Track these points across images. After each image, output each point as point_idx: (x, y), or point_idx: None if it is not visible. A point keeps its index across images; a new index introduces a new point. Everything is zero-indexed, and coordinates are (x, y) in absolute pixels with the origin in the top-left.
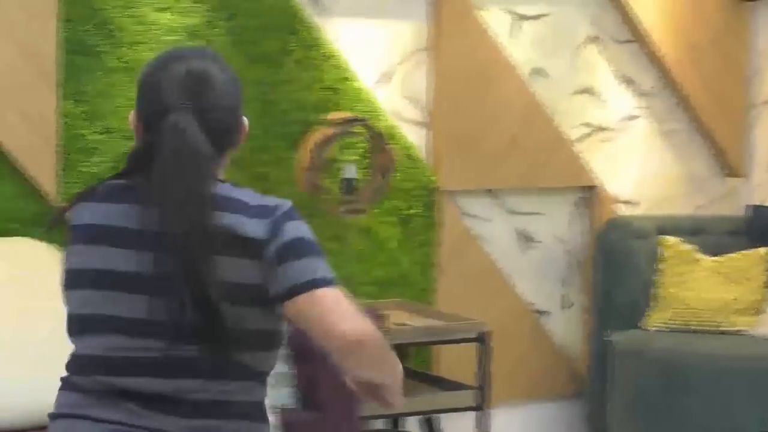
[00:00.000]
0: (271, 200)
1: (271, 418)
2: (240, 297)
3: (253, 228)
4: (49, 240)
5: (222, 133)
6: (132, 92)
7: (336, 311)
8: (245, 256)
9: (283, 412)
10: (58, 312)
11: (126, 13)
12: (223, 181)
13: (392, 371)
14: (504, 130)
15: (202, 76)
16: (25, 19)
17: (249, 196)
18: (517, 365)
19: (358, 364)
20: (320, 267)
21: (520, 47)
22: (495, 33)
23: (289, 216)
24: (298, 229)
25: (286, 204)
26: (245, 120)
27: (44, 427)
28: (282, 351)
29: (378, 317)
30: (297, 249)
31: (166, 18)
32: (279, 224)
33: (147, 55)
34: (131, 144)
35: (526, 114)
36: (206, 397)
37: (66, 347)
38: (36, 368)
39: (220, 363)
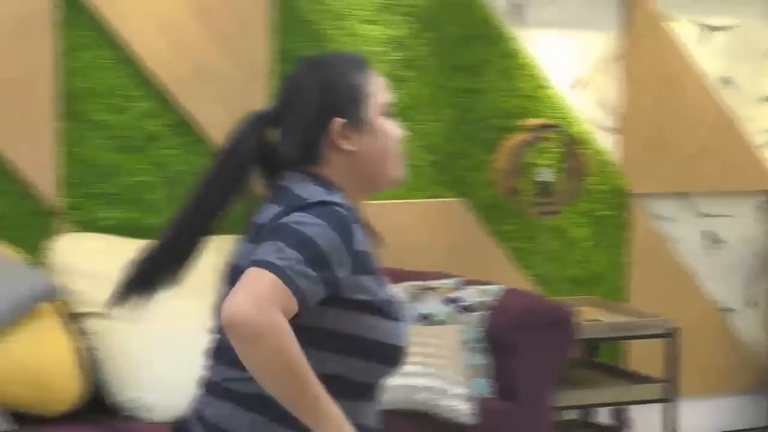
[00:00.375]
0: (313, 194)
1: (468, 406)
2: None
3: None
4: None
5: (283, 134)
6: None
7: (236, 288)
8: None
9: (480, 401)
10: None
11: (336, 26)
12: (310, 177)
13: (293, 390)
14: (693, 136)
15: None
16: (240, 32)
17: (308, 191)
18: (703, 360)
19: (242, 358)
20: (270, 250)
21: (707, 56)
22: (684, 43)
23: (303, 207)
24: (294, 218)
25: (318, 198)
26: (332, 123)
27: None
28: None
29: (571, 313)
30: (271, 232)
31: (373, 30)
32: (287, 212)
33: None
34: None
35: (714, 120)
36: None
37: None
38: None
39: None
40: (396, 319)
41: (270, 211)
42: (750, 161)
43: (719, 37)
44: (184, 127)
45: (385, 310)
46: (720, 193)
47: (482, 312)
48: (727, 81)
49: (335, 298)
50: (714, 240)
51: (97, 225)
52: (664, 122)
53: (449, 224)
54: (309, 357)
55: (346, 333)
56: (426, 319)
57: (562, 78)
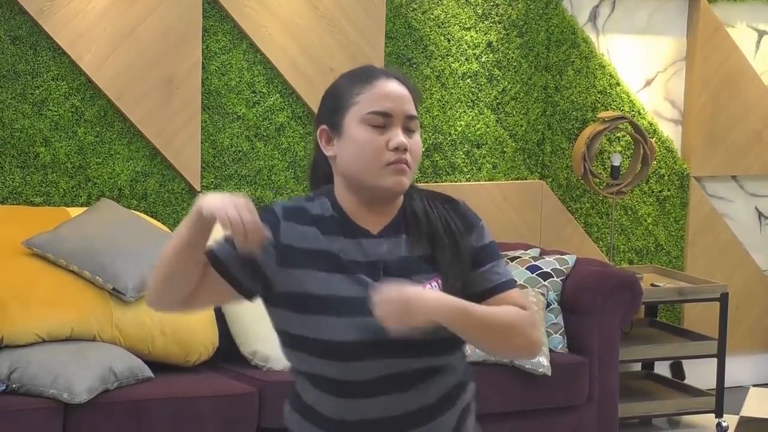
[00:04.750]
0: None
1: (546, 359)
2: None
3: None
4: None
5: None
6: (441, 95)
7: None
8: None
9: (556, 355)
10: None
11: (438, 31)
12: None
13: None
14: (747, 127)
15: None
16: (358, 38)
17: None
18: (752, 321)
19: None
20: None
21: (762, 58)
22: (741, 46)
23: None
24: None
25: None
26: (318, 130)
27: None
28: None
29: (635, 280)
30: None
31: (470, 35)
32: None
33: (454, 66)
34: (438, 137)
35: (765, 113)
36: None
37: None
38: None
39: None
40: (325, 314)
41: None
42: None
43: None
44: (306, 119)
45: (313, 306)
46: (767, 176)
47: (559, 278)
48: None
49: (271, 295)
50: (764, 217)
51: None
52: (722, 115)
53: (533, 202)
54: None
55: (280, 329)
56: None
57: (634, 76)
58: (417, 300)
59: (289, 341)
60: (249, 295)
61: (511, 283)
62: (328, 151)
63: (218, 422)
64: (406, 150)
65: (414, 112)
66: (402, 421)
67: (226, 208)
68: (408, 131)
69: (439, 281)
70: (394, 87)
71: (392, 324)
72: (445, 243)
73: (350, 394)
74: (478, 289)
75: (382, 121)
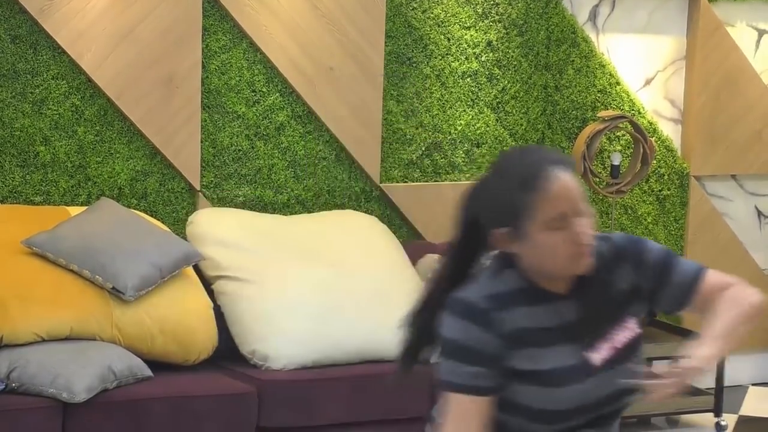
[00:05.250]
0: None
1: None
2: None
3: None
4: (370, 212)
5: None
6: (441, 95)
7: (445, 421)
8: None
9: None
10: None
11: (438, 30)
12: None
13: None
14: (747, 126)
15: None
16: (358, 37)
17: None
18: None
19: None
20: (441, 368)
21: (762, 57)
22: (741, 45)
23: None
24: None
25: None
26: (493, 233)
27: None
28: None
29: None
30: None
31: (469, 34)
32: None
33: (454, 65)
34: (438, 137)
35: (764, 113)
36: None
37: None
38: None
39: None
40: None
41: None
42: None
43: None
44: (306, 118)
45: (528, 380)
46: (767, 175)
47: None
48: None
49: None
50: (763, 215)
51: (230, 201)
52: (721, 114)
53: None
54: None
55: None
56: None
57: (633, 76)
58: (707, 365)
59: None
60: (499, 392)
61: (699, 272)
62: (506, 249)
63: (217, 421)
64: (587, 237)
65: (586, 199)
66: None
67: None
68: (582, 215)
69: (632, 323)
70: (563, 183)
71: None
72: (630, 275)
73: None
74: (681, 299)
75: (563, 223)
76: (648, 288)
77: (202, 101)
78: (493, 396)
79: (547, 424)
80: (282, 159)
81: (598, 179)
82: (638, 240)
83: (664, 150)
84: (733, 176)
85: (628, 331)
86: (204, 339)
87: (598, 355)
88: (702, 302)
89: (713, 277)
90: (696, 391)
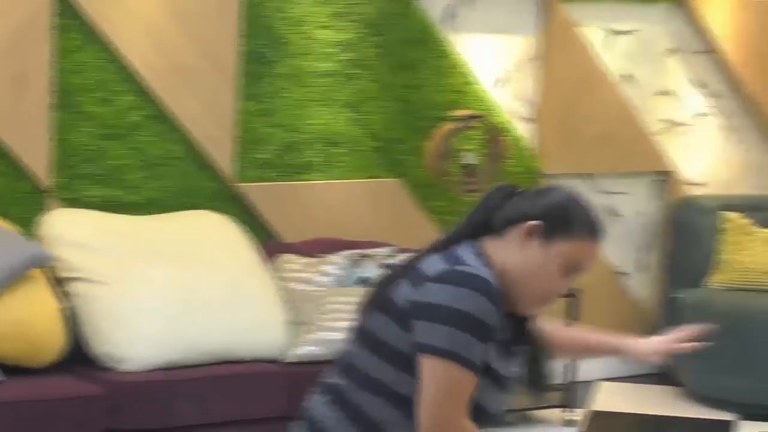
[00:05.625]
0: (438, 267)
1: None
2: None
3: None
4: (225, 213)
5: None
6: (297, 94)
7: (424, 393)
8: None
9: None
10: (229, 266)
11: (294, 30)
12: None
13: None
14: (598, 125)
15: None
16: (213, 36)
17: (434, 265)
18: (602, 316)
19: None
20: (430, 333)
21: (612, 57)
22: (592, 45)
23: (434, 279)
24: (432, 292)
25: (444, 269)
26: (532, 223)
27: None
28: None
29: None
30: (420, 310)
31: (326, 34)
32: (419, 285)
33: (310, 64)
34: (294, 136)
35: (617, 112)
36: None
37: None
38: (212, 315)
39: None
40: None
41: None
42: (646, 147)
43: (622, 39)
44: (161, 118)
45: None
46: (619, 173)
47: None
48: (628, 78)
49: None
50: (613, 213)
51: (83, 202)
52: (574, 113)
53: (387, 201)
54: None
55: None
56: (364, 282)
57: (487, 75)
58: None
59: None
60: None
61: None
62: (523, 240)
63: (65, 425)
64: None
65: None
66: None
67: None
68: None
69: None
70: (598, 253)
71: None
72: None
73: None
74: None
75: (574, 275)
76: None
77: (54, 101)
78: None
79: (477, 423)
80: (136, 159)
81: (453, 178)
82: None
83: (518, 149)
84: (585, 175)
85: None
86: (53, 342)
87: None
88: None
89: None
90: (548, 387)
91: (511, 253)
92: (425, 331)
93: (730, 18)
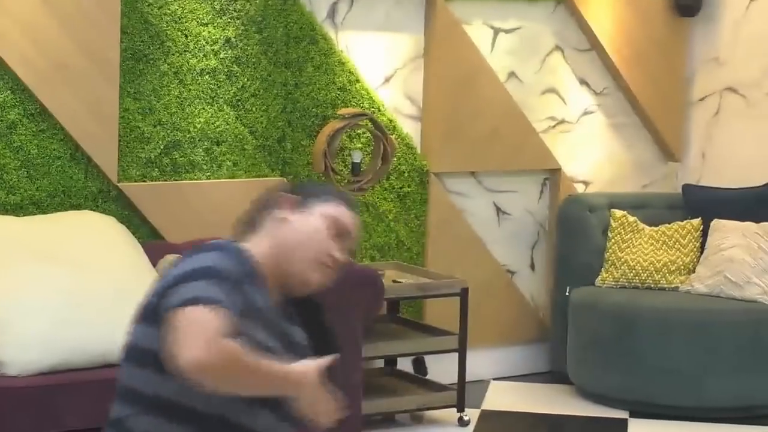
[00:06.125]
0: (187, 265)
1: None
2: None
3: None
4: (108, 213)
5: None
6: (179, 92)
7: (177, 337)
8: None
9: None
10: (114, 267)
11: (175, 27)
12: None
13: (263, 381)
14: (484, 123)
15: None
16: (93, 32)
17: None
18: (492, 315)
19: (215, 387)
20: (187, 290)
21: (498, 55)
22: (478, 43)
23: (180, 271)
24: (174, 274)
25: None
26: (288, 196)
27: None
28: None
29: (377, 276)
30: (165, 292)
31: (207, 31)
32: (165, 277)
33: (192, 62)
34: (177, 135)
35: (503, 110)
36: None
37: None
38: (96, 316)
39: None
40: None
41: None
42: (533, 145)
43: (507, 38)
44: (39, 116)
45: None
46: (507, 172)
47: None
48: (514, 76)
49: None
50: (502, 212)
51: None
52: (460, 111)
53: None
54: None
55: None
56: None
57: (374, 74)
58: None
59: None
60: None
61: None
62: (283, 214)
63: None
64: (340, 268)
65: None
66: None
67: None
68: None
69: None
70: (358, 228)
71: None
72: None
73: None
74: None
75: (341, 240)
76: None
77: None
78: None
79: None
80: (14, 159)
81: (339, 177)
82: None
83: (404, 147)
84: (472, 173)
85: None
86: None
87: None
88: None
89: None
90: (439, 387)
91: (273, 234)
92: (168, 302)
93: (611, 16)
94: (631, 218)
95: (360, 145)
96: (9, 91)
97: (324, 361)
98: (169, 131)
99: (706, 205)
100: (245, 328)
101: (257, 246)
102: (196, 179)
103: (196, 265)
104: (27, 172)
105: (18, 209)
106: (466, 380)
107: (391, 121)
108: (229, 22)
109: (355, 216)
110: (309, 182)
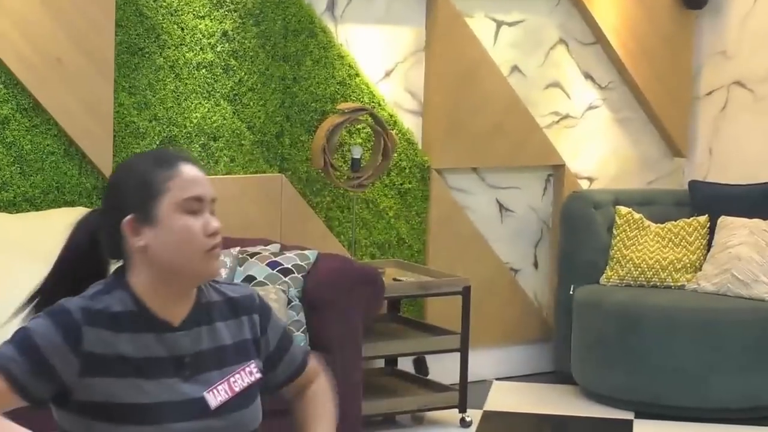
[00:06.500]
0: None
1: None
2: None
3: None
4: None
5: None
6: (175, 86)
7: None
8: None
9: None
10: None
11: (171, 20)
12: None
13: None
14: (487, 118)
15: None
16: (87, 26)
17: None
18: (495, 314)
19: None
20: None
21: (500, 48)
22: (480, 36)
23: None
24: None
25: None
26: (126, 221)
27: None
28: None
29: (378, 274)
30: None
31: (204, 24)
32: None
33: (188, 55)
34: (173, 130)
35: (506, 105)
36: None
37: None
38: None
39: None
40: (143, 423)
41: None
42: (536, 140)
43: (510, 31)
44: (33, 111)
45: (126, 414)
46: (509, 168)
47: (300, 274)
48: (517, 70)
49: (69, 401)
50: (504, 209)
51: None
52: (462, 106)
53: (272, 197)
54: None
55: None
56: (250, 281)
57: (374, 67)
58: None
59: None
60: (39, 404)
61: (307, 358)
62: (137, 242)
63: None
64: (218, 234)
65: (215, 194)
66: None
67: None
68: (212, 214)
69: (253, 366)
70: (196, 171)
71: None
72: (255, 328)
73: None
74: (283, 377)
75: (197, 206)
76: (267, 353)
77: None
78: (23, 395)
79: None
80: (7, 154)
81: (338, 173)
82: (267, 305)
83: (405, 143)
84: (474, 169)
85: (248, 376)
86: None
87: (215, 397)
88: (295, 388)
89: (312, 364)
90: (441, 388)
91: (147, 265)
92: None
93: (616, 8)
94: (637, 215)
95: (360, 141)
96: (1, 86)
97: None
98: (165, 126)
99: (713, 201)
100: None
101: (138, 284)
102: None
103: (30, 325)
104: (20, 168)
105: (11, 206)
106: (468, 380)
107: (391, 116)
108: (226, 14)
109: (182, 168)
110: (107, 187)
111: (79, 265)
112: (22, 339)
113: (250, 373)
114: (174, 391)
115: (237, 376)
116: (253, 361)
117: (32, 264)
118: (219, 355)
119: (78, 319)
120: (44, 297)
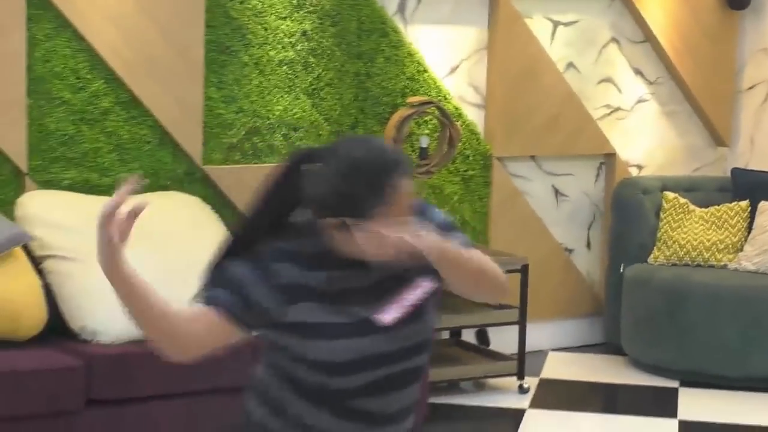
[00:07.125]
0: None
1: None
2: None
3: None
4: (194, 193)
5: None
6: (259, 82)
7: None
8: None
9: None
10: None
11: (255, 20)
12: None
13: None
14: (544, 111)
15: None
16: (180, 27)
17: None
18: (551, 290)
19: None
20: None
21: (557, 46)
22: (538, 35)
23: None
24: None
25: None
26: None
27: None
28: None
29: None
30: None
31: (285, 24)
32: None
33: (272, 53)
34: (257, 121)
35: (562, 98)
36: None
37: None
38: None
39: None
40: (321, 338)
41: None
42: (589, 131)
43: (566, 30)
44: (130, 104)
45: (312, 332)
46: (564, 156)
47: None
48: (572, 66)
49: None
50: (560, 194)
51: (57, 184)
52: (521, 100)
53: None
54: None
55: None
56: None
57: (440, 64)
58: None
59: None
60: (251, 331)
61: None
62: (331, 236)
63: (46, 395)
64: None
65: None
66: (385, 419)
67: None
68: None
69: (427, 282)
70: (405, 193)
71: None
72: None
73: (340, 398)
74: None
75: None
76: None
77: (27, 87)
78: (229, 317)
79: (328, 376)
80: (107, 143)
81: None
82: (426, 206)
83: (469, 133)
84: (532, 157)
85: (420, 289)
86: (33, 316)
87: (388, 315)
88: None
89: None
90: (501, 357)
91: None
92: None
93: (665, 9)
94: (683, 200)
95: (427, 132)
96: (102, 81)
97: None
98: (249, 118)
99: (753, 187)
100: None
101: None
102: (275, 163)
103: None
104: (119, 155)
105: (111, 190)
106: (526, 351)
107: (456, 108)
108: (305, 16)
109: (397, 190)
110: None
111: (282, 203)
112: (229, 281)
113: (423, 287)
114: (351, 315)
115: (410, 291)
116: (428, 276)
117: (131, 242)
118: (398, 281)
119: (271, 259)
120: (249, 232)
